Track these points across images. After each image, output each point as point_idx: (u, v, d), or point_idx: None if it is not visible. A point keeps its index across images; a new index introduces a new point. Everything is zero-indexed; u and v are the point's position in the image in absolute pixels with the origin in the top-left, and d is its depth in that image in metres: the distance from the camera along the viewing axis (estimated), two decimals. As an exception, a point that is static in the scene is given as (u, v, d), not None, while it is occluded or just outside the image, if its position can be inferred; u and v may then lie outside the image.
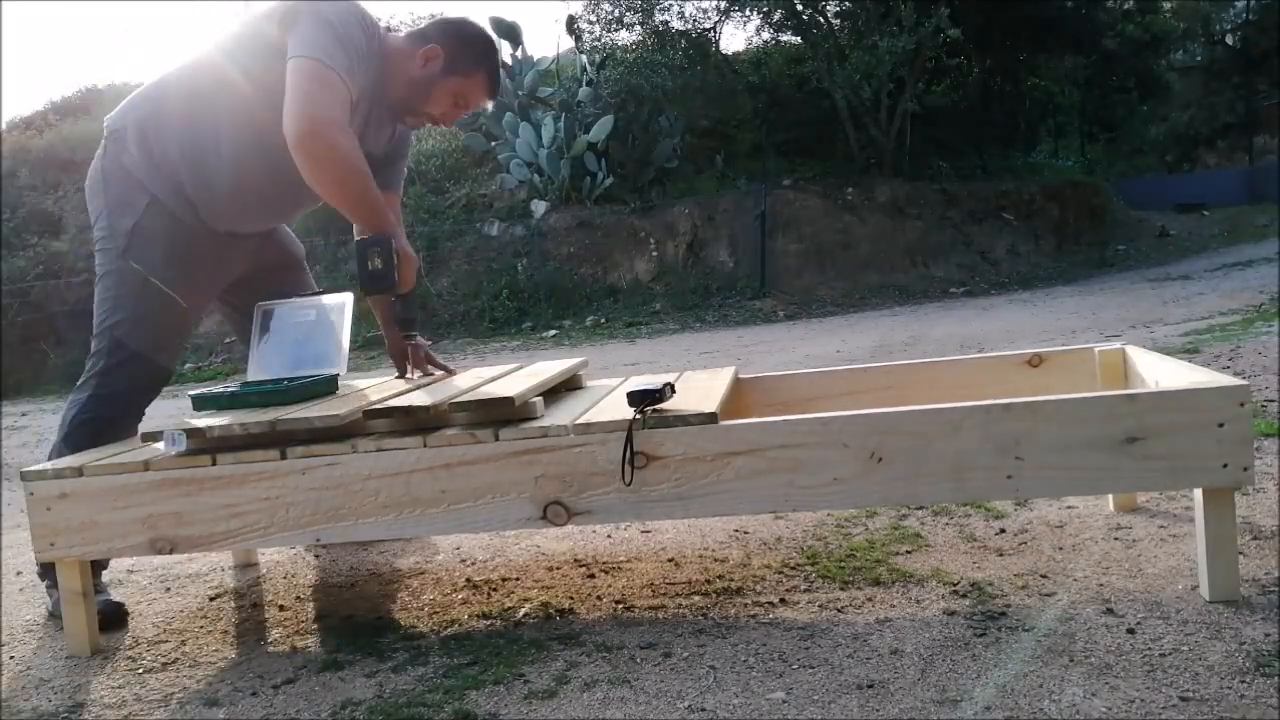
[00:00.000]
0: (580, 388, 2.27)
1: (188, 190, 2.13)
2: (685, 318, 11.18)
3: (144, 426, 2.06)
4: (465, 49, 2.15)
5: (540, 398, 1.92)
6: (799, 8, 14.31)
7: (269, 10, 2.04)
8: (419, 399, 1.89)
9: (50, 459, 2.09)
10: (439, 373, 2.32)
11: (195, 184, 2.12)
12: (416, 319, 2.28)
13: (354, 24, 2.02)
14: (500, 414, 1.81)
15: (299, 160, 1.93)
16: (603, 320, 11.41)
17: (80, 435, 2.13)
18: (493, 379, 2.14)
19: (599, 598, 1.97)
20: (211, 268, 2.24)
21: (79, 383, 2.20)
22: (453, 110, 2.20)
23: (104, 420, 2.15)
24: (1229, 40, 24.45)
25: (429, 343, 2.40)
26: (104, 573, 2.28)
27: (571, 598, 1.99)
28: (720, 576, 2.02)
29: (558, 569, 2.20)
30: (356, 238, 2.10)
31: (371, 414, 1.81)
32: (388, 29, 2.18)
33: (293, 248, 2.48)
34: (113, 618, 2.10)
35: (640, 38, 14.64)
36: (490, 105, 2.35)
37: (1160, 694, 1.35)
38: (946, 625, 1.65)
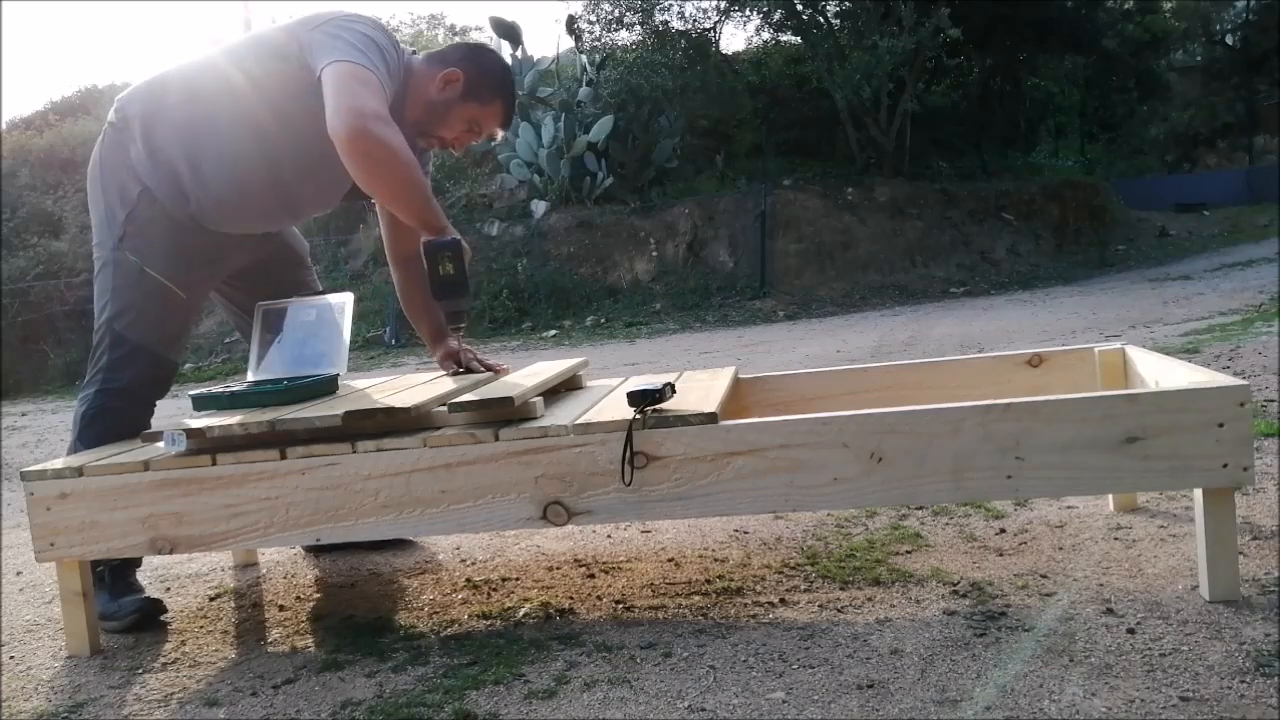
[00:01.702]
0: (580, 388, 2.27)
1: (185, 187, 2.10)
2: (685, 318, 11.19)
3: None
4: (485, 76, 2.14)
5: (540, 398, 1.92)
6: (799, 8, 14.32)
7: (302, 19, 2.04)
8: (416, 399, 1.89)
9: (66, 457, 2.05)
10: (486, 373, 2.28)
11: (193, 183, 2.09)
12: (467, 310, 2.17)
13: (385, 40, 2.03)
14: (500, 415, 1.81)
15: (348, 160, 1.89)
16: (603, 320, 11.41)
17: (91, 431, 2.10)
18: (481, 381, 2.14)
19: (599, 598, 1.97)
20: (208, 260, 2.20)
21: (85, 380, 2.16)
22: (465, 135, 2.18)
23: (113, 412, 2.11)
24: (1229, 40, 24.45)
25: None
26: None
27: (571, 598, 1.99)
28: (720, 576, 2.02)
29: (558, 569, 2.20)
30: (422, 241, 2.02)
31: (358, 415, 1.81)
32: (412, 51, 2.19)
33: (296, 244, 2.45)
34: (151, 615, 2.09)
35: (640, 38, 14.65)
36: (502, 134, 2.29)
37: (1160, 694, 1.35)
38: (946, 625, 1.65)
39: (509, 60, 14.03)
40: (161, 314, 2.12)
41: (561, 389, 2.21)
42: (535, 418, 1.83)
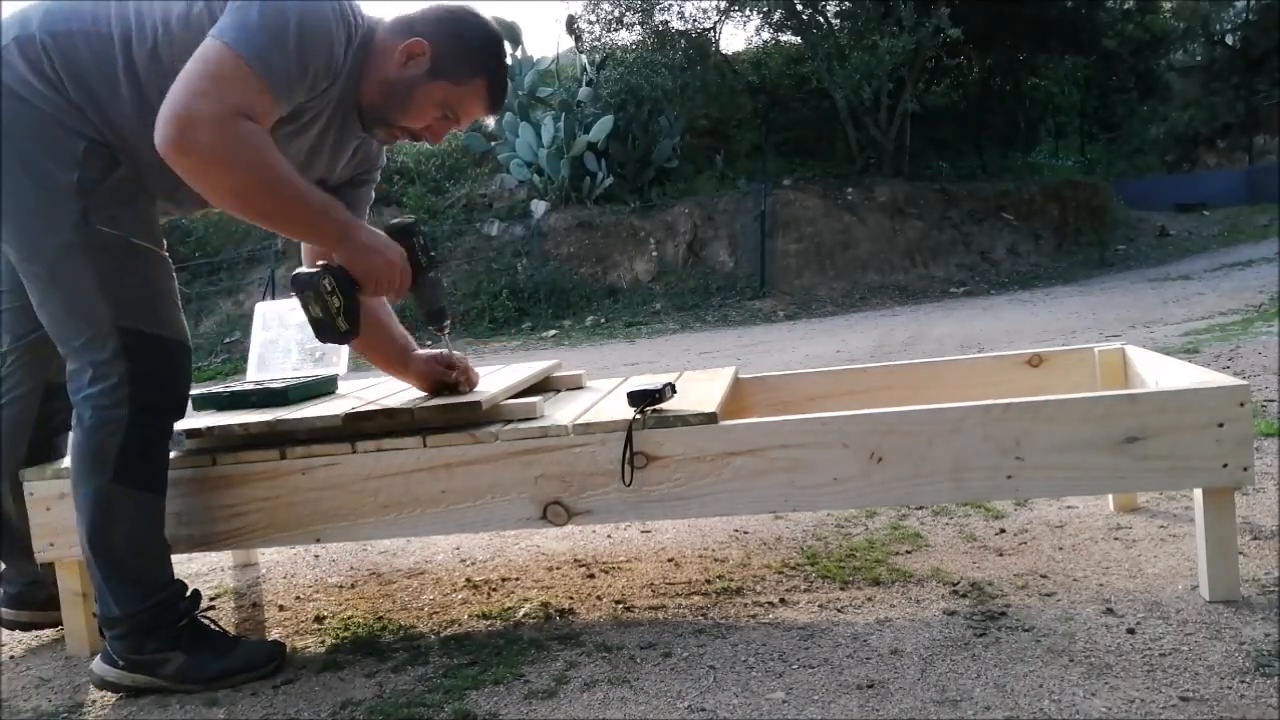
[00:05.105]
0: (581, 388, 2.27)
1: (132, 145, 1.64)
2: (685, 318, 11.19)
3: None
4: (462, 48, 1.67)
5: (539, 398, 1.92)
6: (799, 8, 14.32)
7: None
8: (416, 399, 1.89)
9: (92, 511, 1.65)
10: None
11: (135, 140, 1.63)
12: (447, 309, 1.79)
13: (320, 25, 1.56)
14: (469, 418, 1.80)
15: (178, 172, 1.50)
16: (603, 320, 11.41)
17: (139, 472, 1.66)
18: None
19: (599, 598, 1.97)
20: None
21: (91, 413, 1.63)
22: (440, 125, 1.73)
23: (160, 436, 1.69)
24: (1229, 40, 24.44)
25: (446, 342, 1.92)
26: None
27: (571, 598, 1.99)
28: (720, 576, 2.02)
29: (558, 569, 2.20)
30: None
31: (358, 415, 1.80)
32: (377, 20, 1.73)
33: None
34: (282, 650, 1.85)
35: (640, 38, 14.66)
36: (491, 121, 1.81)
37: (1160, 694, 1.35)
38: (946, 625, 1.65)
39: (509, 60, 14.05)
40: (167, 290, 1.70)
41: (551, 389, 2.21)
42: (535, 418, 1.83)
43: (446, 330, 1.83)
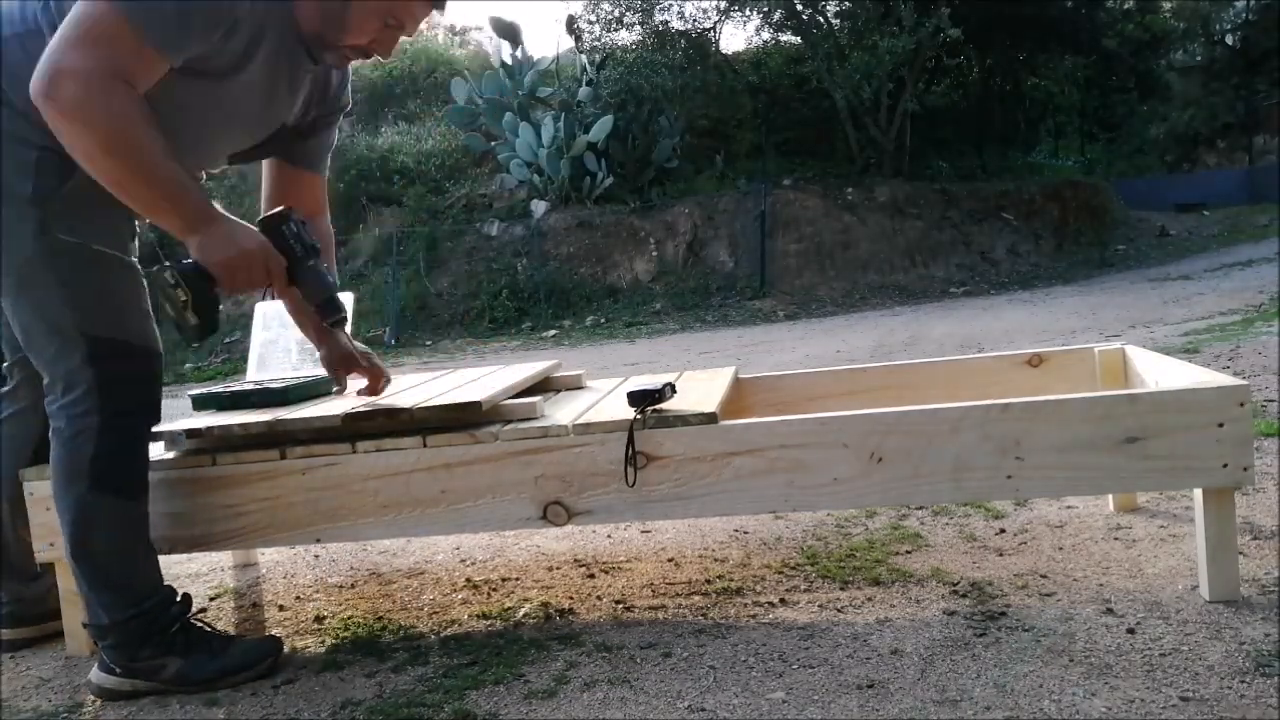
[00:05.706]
0: (581, 387, 2.27)
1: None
2: (685, 318, 11.18)
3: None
4: None
5: (539, 398, 1.92)
6: (799, 8, 14.32)
7: None
8: (416, 399, 1.89)
9: (73, 521, 1.65)
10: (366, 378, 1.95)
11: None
12: (338, 301, 1.74)
13: None
14: (469, 418, 1.80)
15: (51, 127, 1.46)
16: (603, 320, 11.41)
17: (117, 475, 1.66)
18: (471, 379, 2.13)
19: (599, 598, 1.97)
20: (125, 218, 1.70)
21: (62, 424, 1.64)
22: (385, 34, 1.66)
23: (134, 440, 1.69)
24: (1229, 40, 24.43)
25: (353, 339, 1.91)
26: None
27: (571, 598, 1.99)
28: (720, 576, 2.02)
29: (558, 569, 2.20)
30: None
31: (358, 415, 1.80)
32: None
33: None
34: (279, 648, 1.84)
35: (640, 38, 14.65)
36: (439, 15, 1.77)
37: (1160, 694, 1.35)
38: (946, 625, 1.65)
39: (509, 60, 14.07)
40: (133, 296, 1.68)
41: (551, 389, 2.21)
42: (535, 418, 1.83)
43: (343, 323, 1.77)
